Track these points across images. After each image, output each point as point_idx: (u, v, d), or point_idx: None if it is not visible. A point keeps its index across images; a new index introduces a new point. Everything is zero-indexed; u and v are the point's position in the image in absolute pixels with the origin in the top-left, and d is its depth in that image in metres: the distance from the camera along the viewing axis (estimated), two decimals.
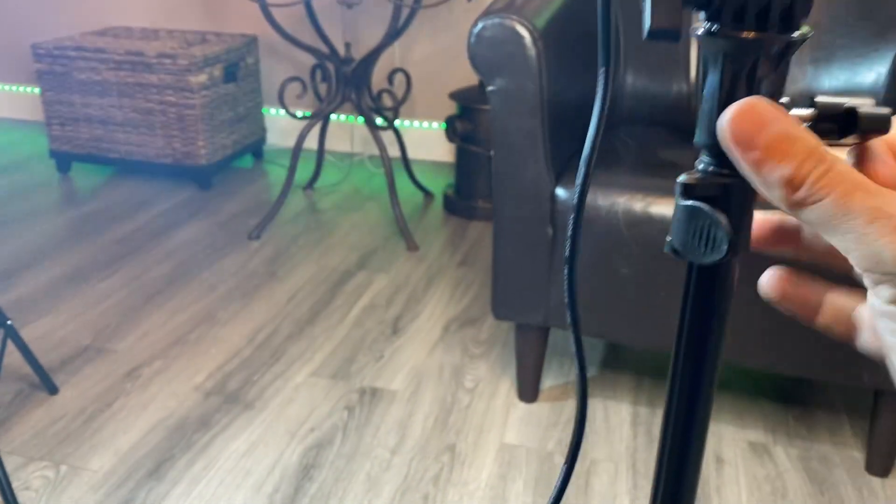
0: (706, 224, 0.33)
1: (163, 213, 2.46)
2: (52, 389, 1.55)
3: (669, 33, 0.29)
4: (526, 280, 1.43)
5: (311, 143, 2.56)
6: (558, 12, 1.44)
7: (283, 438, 1.44)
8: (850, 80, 1.63)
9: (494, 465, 1.39)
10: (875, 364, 1.17)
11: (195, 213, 2.47)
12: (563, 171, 1.40)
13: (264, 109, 2.95)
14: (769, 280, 0.35)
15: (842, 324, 0.33)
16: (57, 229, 2.34)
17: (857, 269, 0.27)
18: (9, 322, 1.43)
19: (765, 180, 0.27)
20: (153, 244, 2.24)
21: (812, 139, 0.27)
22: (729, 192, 0.33)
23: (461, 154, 2.48)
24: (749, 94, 0.30)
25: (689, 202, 0.33)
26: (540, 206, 1.37)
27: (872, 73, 1.60)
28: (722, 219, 0.32)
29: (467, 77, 2.61)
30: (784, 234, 0.35)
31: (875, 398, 1.35)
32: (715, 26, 0.30)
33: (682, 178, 0.33)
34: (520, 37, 1.27)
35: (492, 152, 1.40)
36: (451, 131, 2.45)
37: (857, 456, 1.43)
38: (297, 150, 2.33)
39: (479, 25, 1.30)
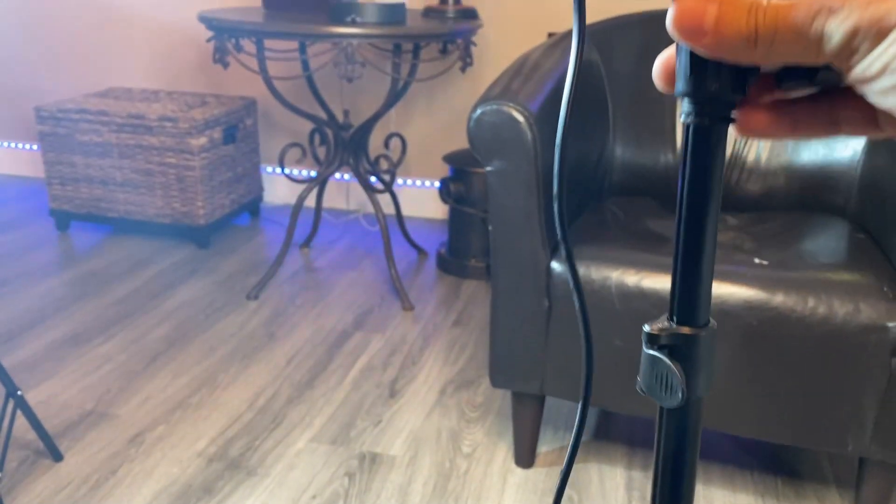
0: (664, 372, 0.36)
1: (161, 272, 2.51)
2: (58, 456, 1.58)
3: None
4: (523, 350, 1.48)
5: (309, 201, 2.62)
6: (552, 93, 1.52)
7: None
8: (829, 155, 1.72)
9: None
10: (859, 431, 1.23)
11: (193, 272, 2.51)
12: (558, 245, 1.46)
13: (262, 168, 3.02)
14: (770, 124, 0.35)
15: (862, 122, 0.34)
16: (56, 289, 2.38)
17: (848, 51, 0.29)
18: (19, 393, 1.46)
19: (731, 55, 0.31)
20: (152, 305, 2.28)
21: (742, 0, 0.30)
22: (689, 344, 0.37)
23: (454, 214, 2.55)
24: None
25: (651, 351, 0.37)
26: (536, 279, 1.43)
27: (849, 150, 1.69)
28: (677, 370, 0.36)
29: (460, 140, 2.70)
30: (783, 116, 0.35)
31: (860, 465, 1.40)
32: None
33: (646, 327, 0.37)
34: (516, 122, 1.35)
35: (490, 227, 1.46)
36: (445, 193, 2.51)
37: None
38: (296, 211, 2.39)
39: (479, 111, 1.37)
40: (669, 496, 0.40)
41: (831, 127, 0.34)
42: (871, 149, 1.65)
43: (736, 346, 1.33)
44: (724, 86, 0.33)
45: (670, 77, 0.34)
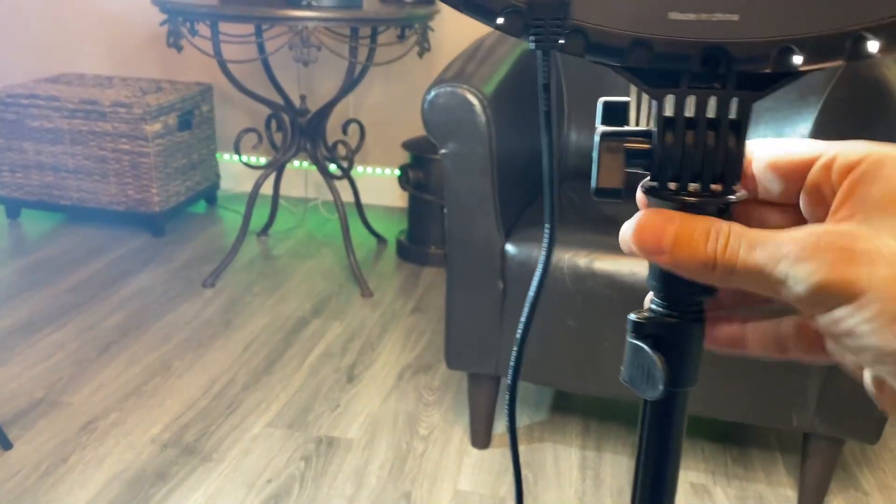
0: (647, 363, 0.36)
1: (116, 260, 2.47)
2: (6, 445, 1.55)
3: (613, 192, 0.34)
4: (478, 332, 1.49)
5: (266, 188, 2.60)
6: (507, 76, 1.53)
7: (241, 490, 1.47)
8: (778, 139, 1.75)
9: None
10: (803, 407, 1.27)
11: (148, 260, 2.48)
12: (512, 227, 1.48)
13: (218, 155, 2.98)
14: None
15: (773, 346, 0.34)
16: (6, 278, 2.33)
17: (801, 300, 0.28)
18: None
19: (689, 275, 0.30)
20: (106, 293, 2.24)
21: (704, 222, 0.29)
22: (674, 333, 0.36)
23: (413, 201, 2.55)
24: None
25: (635, 340, 0.37)
26: (491, 261, 1.44)
27: (797, 133, 1.73)
28: (659, 361, 0.36)
29: (420, 127, 2.70)
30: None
31: (804, 440, 1.44)
32: (657, 185, 0.33)
33: (632, 315, 0.37)
34: (470, 104, 1.35)
35: (445, 210, 1.47)
36: (404, 180, 2.51)
37: (790, 494, 1.51)
38: (253, 199, 2.37)
39: (433, 93, 1.37)
40: (651, 490, 0.40)
41: (779, 351, 0.34)
42: (817, 131, 1.69)
43: None
44: (694, 288, 0.33)
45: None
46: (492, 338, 1.48)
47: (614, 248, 1.39)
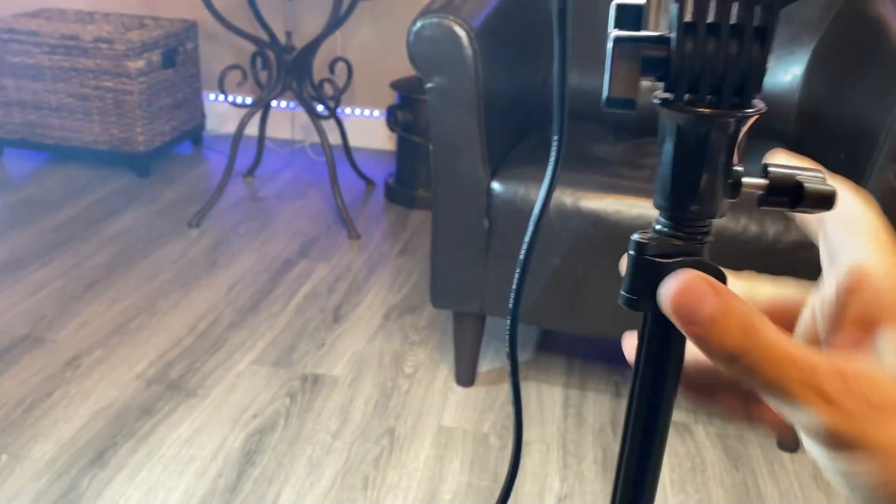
0: (653, 274, 0.35)
1: (100, 200, 2.44)
2: None
3: (626, 103, 0.32)
4: (463, 270, 1.48)
5: (252, 129, 2.57)
6: (497, 9, 1.49)
7: (226, 425, 1.47)
8: (770, 79, 1.72)
9: (432, 447, 1.45)
10: None
11: (133, 200, 2.45)
12: (499, 165, 1.46)
13: (203, 95, 2.93)
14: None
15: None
16: None
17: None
18: None
19: (706, 352, 0.28)
20: (91, 232, 2.22)
21: (745, 311, 0.27)
22: (680, 254, 0.35)
23: (402, 143, 2.52)
24: (701, 166, 0.33)
25: (642, 257, 0.35)
26: (476, 199, 1.43)
27: (789, 75, 1.70)
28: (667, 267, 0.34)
29: (408, 66, 2.65)
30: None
31: None
32: (671, 97, 0.31)
33: (635, 235, 0.36)
34: (457, 37, 1.32)
35: (430, 147, 1.45)
36: (392, 121, 2.48)
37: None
38: (238, 138, 2.34)
39: (418, 24, 1.34)
40: (647, 412, 0.38)
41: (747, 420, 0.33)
42: (809, 73, 1.67)
43: None
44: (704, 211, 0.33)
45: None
46: (477, 276, 1.48)
47: (600, 187, 1.38)
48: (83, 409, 1.50)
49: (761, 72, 0.31)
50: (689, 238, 0.33)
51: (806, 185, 0.34)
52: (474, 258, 1.46)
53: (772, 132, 1.71)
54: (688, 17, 0.30)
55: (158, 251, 2.14)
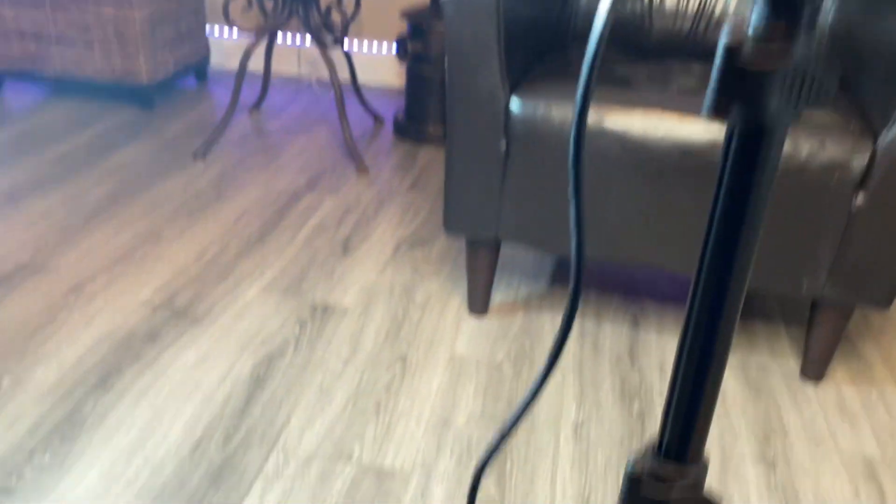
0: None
1: (103, 132, 2.38)
2: None
3: None
4: (478, 194, 1.43)
5: (258, 65, 2.49)
6: None
7: (234, 351, 1.43)
8: None
9: (445, 374, 1.41)
10: (814, 272, 1.21)
11: (137, 133, 2.39)
12: (518, 82, 1.39)
13: (209, 30, 2.85)
14: None
15: None
16: None
17: None
18: None
19: None
20: (94, 164, 2.17)
21: None
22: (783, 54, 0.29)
23: (412, 78, 2.44)
24: None
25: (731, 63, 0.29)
26: (494, 117, 1.36)
27: None
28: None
29: None
30: None
31: (812, 307, 1.40)
32: None
33: (724, 38, 0.30)
34: None
35: (446, 61, 1.38)
36: (402, 51, 2.40)
37: (793, 365, 1.49)
38: (243, 66, 2.26)
39: None
40: (723, 264, 0.33)
41: None
42: None
43: (699, 186, 1.30)
44: None
45: None
46: (493, 200, 1.42)
47: (625, 104, 1.31)
48: (87, 335, 1.46)
49: None
50: (791, 27, 0.27)
51: None
52: (490, 181, 1.41)
53: None
54: None
55: (163, 183, 2.08)
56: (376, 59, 2.86)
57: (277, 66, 2.89)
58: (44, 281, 1.62)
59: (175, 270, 1.68)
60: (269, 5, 2.34)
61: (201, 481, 1.14)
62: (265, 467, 1.17)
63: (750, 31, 0.30)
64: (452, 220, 1.48)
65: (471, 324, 1.56)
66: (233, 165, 2.21)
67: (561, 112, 1.33)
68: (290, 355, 1.43)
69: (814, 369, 1.43)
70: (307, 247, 1.82)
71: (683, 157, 1.28)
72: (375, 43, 2.84)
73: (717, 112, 0.31)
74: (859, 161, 1.22)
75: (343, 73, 2.86)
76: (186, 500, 1.10)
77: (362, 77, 2.82)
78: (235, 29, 2.46)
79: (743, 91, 0.30)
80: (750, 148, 0.32)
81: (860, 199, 1.24)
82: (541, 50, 1.60)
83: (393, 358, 1.45)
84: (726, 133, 0.32)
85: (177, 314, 1.53)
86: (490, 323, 1.57)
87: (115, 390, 1.32)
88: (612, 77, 1.50)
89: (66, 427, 1.23)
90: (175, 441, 1.21)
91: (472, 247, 1.52)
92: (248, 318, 1.54)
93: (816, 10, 0.30)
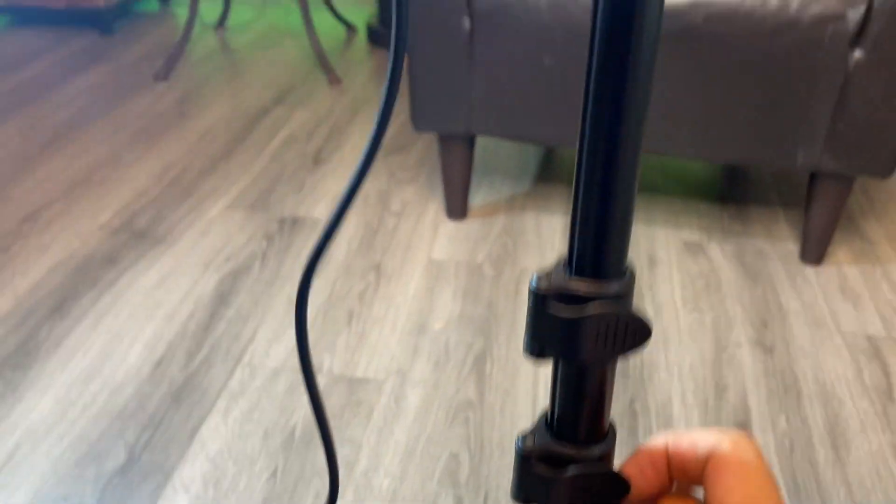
0: None
1: (60, 60, 2.26)
2: None
3: None
4: (445, 82, 1.32)
5: None
6: None
7: (197, 269, 1.36)
8: None
9: (422, 279, 1.33)
10: (810, 142, 1.10)
11: (96, 59, 2.26)
12: None
13: None
14: None
15: None
16: None
17: None
18: None
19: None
20: (50, 92, 2.05)
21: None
22: None
23: None
24: None
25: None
26: None
27: None
28: None
29: None
30: None
31: (810, 181, 1.30)
32: None
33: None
34: None
35: None
36: None
37: (792, 248, 1.40)
38: None
39: None
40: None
41: None
42: None
43: (679, 53, 1.19)
44: None
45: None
46: (461, 89, 1.31)
47: None
48: (42, 262, 1.38)
49: None
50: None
51: None
52: (456, 67, 1.29)
53: None
54: None
55: (123, 106, 1.97)
56: None
57: None
58: None
59: (135, 192, 1.59)
60: None
61: (162, 401, 1.07)
62: (229, 383, 1.10)
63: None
64: (420, 115, 1.38)
65: (449, 227, 1.48)
66: (196, 85, 2.10)
67: None
68: (257, 270, 1.35)
69: (814, 251, 1.35)
70: (275, 161, 1.72)
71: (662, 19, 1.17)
72: None
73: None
74: (855, 12, 1.11)
75: None
76: (146, 421, 1.04)
77: None
78: None
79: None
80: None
81: (857, 55, 1.13)
82: None
83: (367, 266, 1.36)
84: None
85: (137, 236, 1.45)
86: (470, 226, 1.48)
87: (71, 316, 1.24)
88: None
89: (19, 355, 1.16)
90: (134, 363, 1.14)
91: (445, 144, 1.42)
92: (211, 235, 1.45)
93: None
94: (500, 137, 1.38)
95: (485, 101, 1.31)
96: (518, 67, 1.26)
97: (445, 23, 1.26)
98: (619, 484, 0.28)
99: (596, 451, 0.28)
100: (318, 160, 1.73)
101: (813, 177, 1.29)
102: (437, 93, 1.33)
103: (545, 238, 1.44)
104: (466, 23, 1.25)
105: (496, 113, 1.32)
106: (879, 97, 1.16)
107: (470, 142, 1.42)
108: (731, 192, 1.57)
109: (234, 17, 2.48)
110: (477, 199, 1.56)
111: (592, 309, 0.26)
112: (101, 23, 2.41)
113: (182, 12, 2.64)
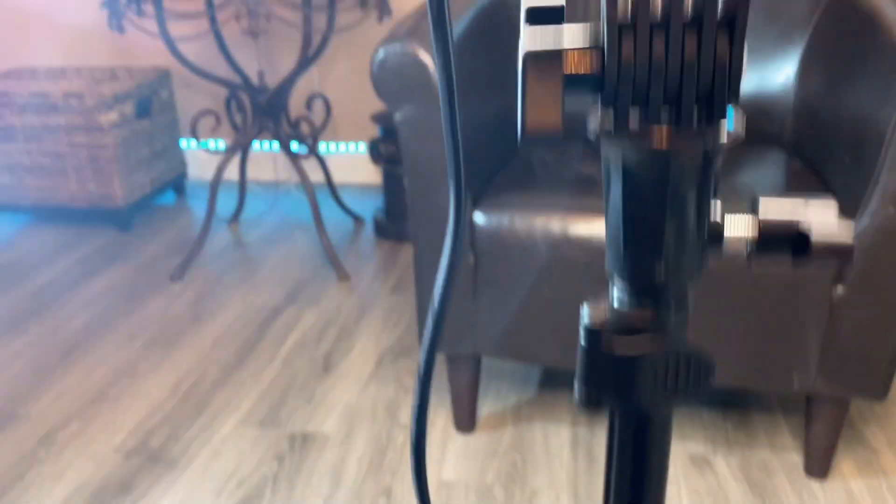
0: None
1: (80, 260, 2.35)
2: None
3: (548, 135, 0.24)
4: (451, 310, 1.38)
5: (233, 173, 2.49)
6: (464, 32, 1.41)
7: (209, 496, 1.37)
8: (762, 81, 1.64)
9: None
10: (804, 368, 1.16)
11: (114, 257, 2.36)
12: (480, 194, 1.37)
13: (182, 143, 2.86)
14: None
15: None
16: None
17: None
18: None
19: None
20: (69, 295, 2.13)
21: None
22: (648, 332, 0.26)
23: (388, 176, 2.43)
24: (661, 216, 0.24)
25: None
26: None
27: (782, 75, 1.61)
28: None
29: None
30: None
31: (808, 403, 1.34)
32: (614, 125, 0.23)
33: (585, 319, 0.27)
34: (423, 65, 1.23)
35: (405, 180, 1.36)
36: (376, 154, 2.40)
37: (796, 459, 1.42)
38: (215, 185, 2.26)
39: (381, 54, 1.25)
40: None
41: None
42: (803, 74, 1.58)
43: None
44: None
45: None
46: (466, 315, 1.38)
47: (588, 210, 1.28)
48: (57, 491, 1.39)
49: (734, 78, 0.22)
50: (657, 312, 0.24)
51: (813, 238, 0.25)
52: (462, 296, 1.36)
53: (768, 136, 1.62)
54: (622, 12, 0.21)
55: (139, 310, 2.04)
56: (353, 159, 2.86)
57: (254, 173, 2.89)
58: (14, 432, 1.56)
59: (150, 408, 1.63)
60: (239, 121, 2.35)
61: None
62: None
63: (611, 315, 0.27)
64: None
65: (458, 442, 1.50)
66: (211, 283, 2.18)
67: (525, 223, 1.30)
68: (268, 496, 1.37)
69: (818, 466, 1.36)
70: (286, 368, 1.77)
71: None
72: (351, 143, 2.85)
73: (590, 404, 0.28)
74: None
75: (319, 176, 2.86)
76: None
77: (340, 177, 2.82)
78: (211, 140, 2.47)
79: (612, 379, 0.27)
80: (635, 436, 0.28)
81: (840, 290, 1.20)
82: (504, 154, 1.58)
83: (377, 490, 1.38)
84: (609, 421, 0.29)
85: (151, 458, 1.47)
86: (478, 439, 1.51)
87: None
88: (576, 178, 1.48)
89: None
90: None
91: (453, 363, 1.47)
92: (224, 456, 1.48)
93: (684, 295, 0.27)
94: (505, 359, 1.43)
95: (489, 326, 1.37)
96: (518, 297, 1.33)
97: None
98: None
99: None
100: (327, 367, 1.77)
101: (809, 398, 1.33)
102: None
103: (553, 452, 1.46)
104: (471, 258, 1.34)
105: (500, 337, 1.38)
106: (866, 326, 1.22)
107: (476, 361, 1.47)
108: (732, 400, 1.60)
109: (248, 209, 2.60)
110: (484, 408, 1.59)
111: None
112: (119, 220, 2.53)
113: (197, 204, 2.78)
